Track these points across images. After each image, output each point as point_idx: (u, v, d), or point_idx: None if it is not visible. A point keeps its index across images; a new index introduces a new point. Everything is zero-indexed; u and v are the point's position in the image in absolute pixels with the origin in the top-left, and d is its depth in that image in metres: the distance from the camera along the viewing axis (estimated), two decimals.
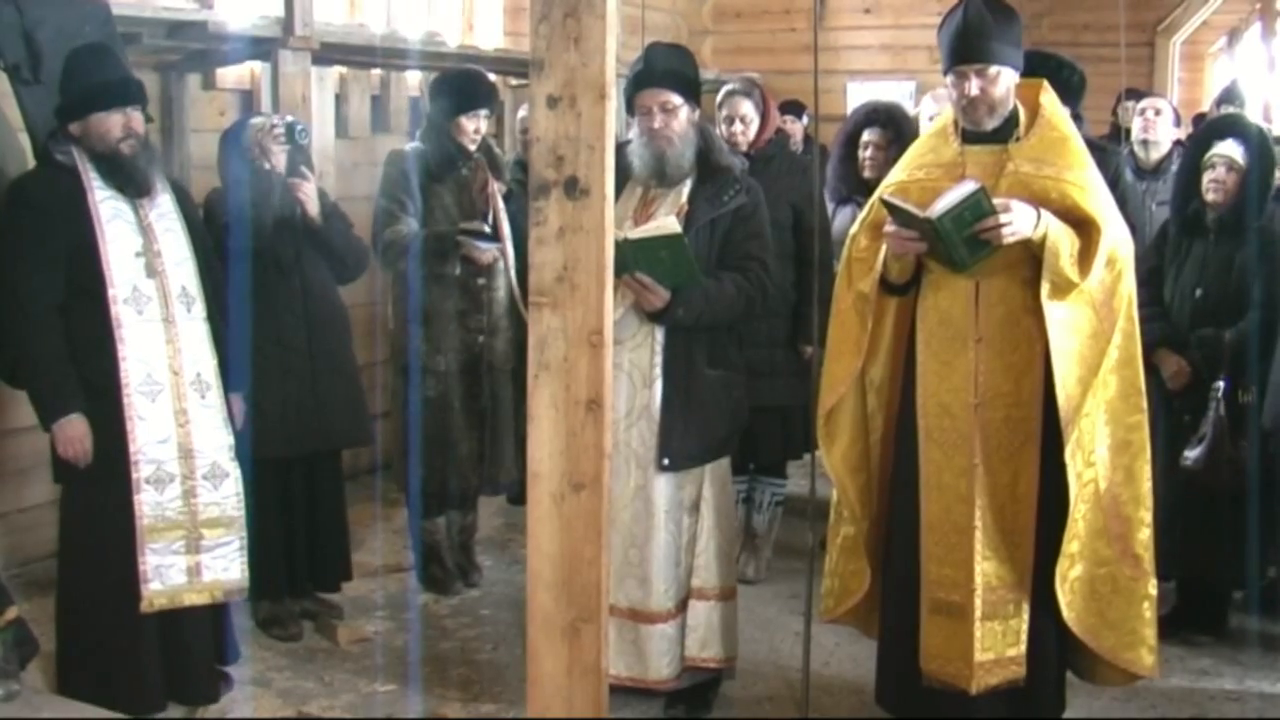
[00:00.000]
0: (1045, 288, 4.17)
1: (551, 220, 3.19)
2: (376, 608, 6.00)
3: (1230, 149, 5.56)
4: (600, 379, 3.22)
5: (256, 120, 5.46)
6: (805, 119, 9.42)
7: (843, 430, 4.59)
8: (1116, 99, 9.65)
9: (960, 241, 4.12)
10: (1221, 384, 5.43)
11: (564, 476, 3.25)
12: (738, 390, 4.88)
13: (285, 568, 5.56)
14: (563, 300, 3.22)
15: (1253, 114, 11.93)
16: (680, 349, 4.67)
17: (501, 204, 5.50)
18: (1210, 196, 5.57)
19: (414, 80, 8.29)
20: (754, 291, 4.78)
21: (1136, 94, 9.13)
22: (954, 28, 4.32)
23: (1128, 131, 7.97)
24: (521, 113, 7.35)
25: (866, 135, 6.78)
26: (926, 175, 4.46)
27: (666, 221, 4.46)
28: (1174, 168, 7.20)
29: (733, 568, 5.02)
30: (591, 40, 3.12)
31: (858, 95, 11.03)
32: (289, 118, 5.44)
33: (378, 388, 7.23)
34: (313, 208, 5.44)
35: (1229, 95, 9.81)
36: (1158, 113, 7.60)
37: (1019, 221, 4.09)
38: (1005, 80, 4.33)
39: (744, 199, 4.80)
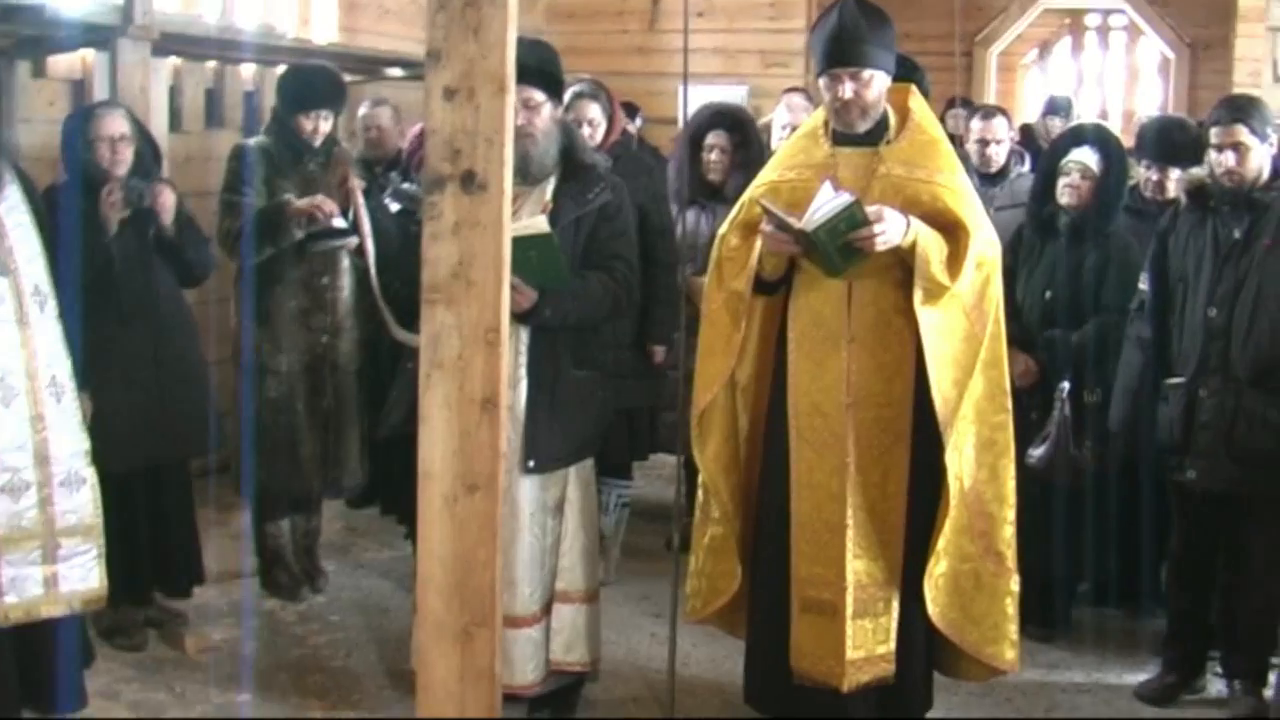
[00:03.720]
0: (918, 294, 4.22)
1: (447, 215, 3.11)
2: (222, 615, 5.82)
3: (1086, 156, 5.68)
4: (496, 377, 3.15)
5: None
6: (638, 120, 9.43)
7: (714, 430, 4.58)
8: (945, 106, 9.82)
9: (834, 251, 4.15)
10: (1066, 384, 5.54)
11: (457, 477, 3.17)
12: (603, 391, 4.85)
13: (128, 574, 5.34)
14: (457, 297, 3.13)
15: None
16: (546, 349, 4.61)
17: (362, 199, 5.37)
18: (1064, 201, 5.68)
19: (249, 73, 8.08)
20: (620, 291, 4.74)
21: (967, 103, 9.30)
22: (829, 30, 4.34)
23: (958, 139, 8.10)
24: (362, 110, 7.19)
25: (711, 138, 6.75)
26: (797, 176, 4.48)
27: (536, 220, 4.39)
28: (1012, 174, 7.37)
29: (596, 570, 4.97)
30: (492, 31, 3.04)
31: (689, 98, 11.06)
32: (132, 181, 5.22)
33: (221, 387, 7.00)
34: (168, 217, 5.28)
35: (1055, 106, 10.06)
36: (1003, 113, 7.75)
37: (891, 230, 4.14)
38: (878, 84, 4.37)
39: (609, 197, 4.76)
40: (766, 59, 10.94)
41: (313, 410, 5.89)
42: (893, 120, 4.47)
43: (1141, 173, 6.16)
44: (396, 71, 8.85)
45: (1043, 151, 8.52)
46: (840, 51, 4.33)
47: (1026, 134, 10.16)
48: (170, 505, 5.52)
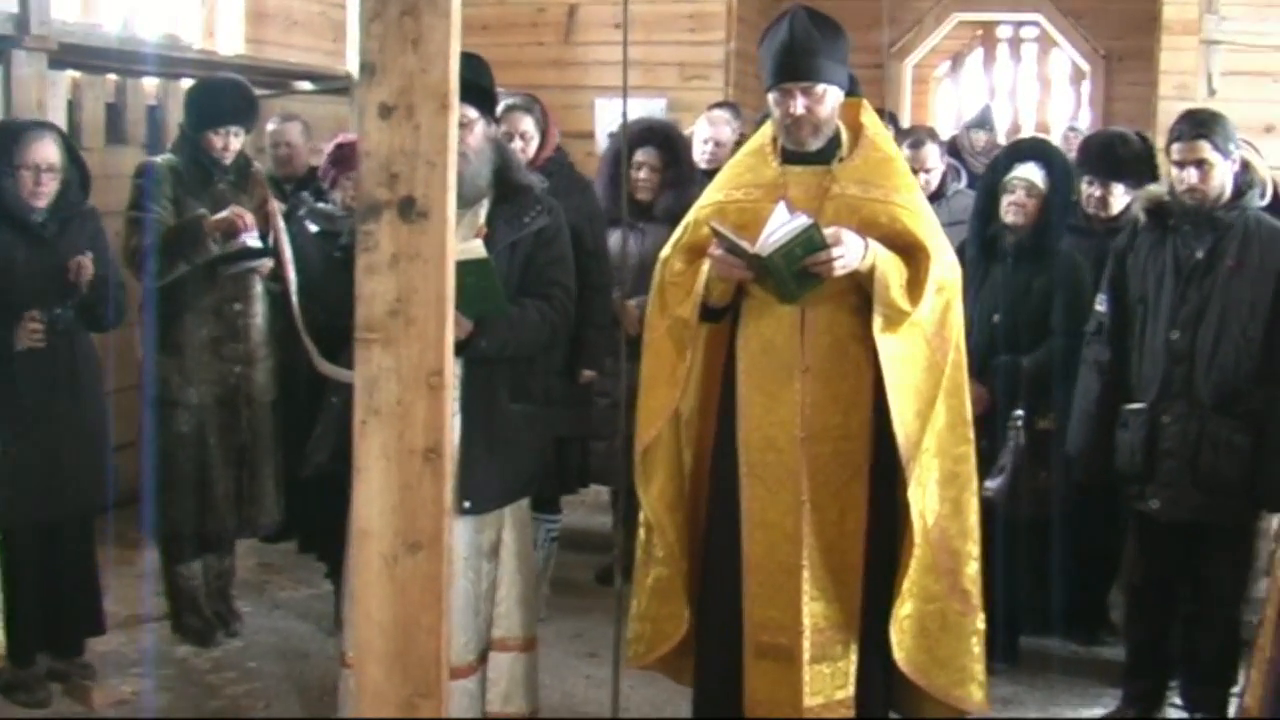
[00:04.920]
0: (877, 321, 4.00)
1: (384, 246, 2.80)
2: (130, 664, 5.47)
3: (1030, 172, 5.48)
4: (440, 425, 2.85)
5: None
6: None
7: (659, 466, 4.31)
8: None
9: (790, 276, 3.90)
10: (1021, 412, 5.34)
11: (398, 535, 2.86)
12: (540, 425, 4.58)
13: (26, 628, 4.97)
14: (396, 336, 2.83)
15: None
16: (481, 382, 4.32)
17: (282, 223, 5.05)
18: (1009, 219, 5.48)
19: (152, 87, 7.70)
20: (559, 319, 4.49)
21: (894, 120, 9.08)
22: (779, 43, 4.10)
23: None
24: (270, 125, 6.86)
25: (640, 155, 6.47)
26: (745, 196, 4.24)
27: (472, 245, 4.10)
28: (949, 192, 7.17)
29: (534, 615, 4.70)
30: (433, 43, 2.74)
31: (606, 112, 10.83)
32: (57, 313, 4.93)
33: (123, 418, 6.62)
34: (84, 287, 4.99)
35: (981, 120, 9.92)
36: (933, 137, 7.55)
37: (849, 254, 3.92)
38: (831, 100, 4.14)
39: (546, 220, 4.50)
40: (685, 71, 10.68)
41: (226, 445, 5.56)
42: (845, 137, 4.24)
43: (1084, 189, 5.96)
44: (306, 85, 8.53)
45: (984, 167, 8.41)
46: (791, 65, 4.10)
47: (950, 147, 10.00)
48: (66, 559, 5.18)
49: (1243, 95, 7.49)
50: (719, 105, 8.64)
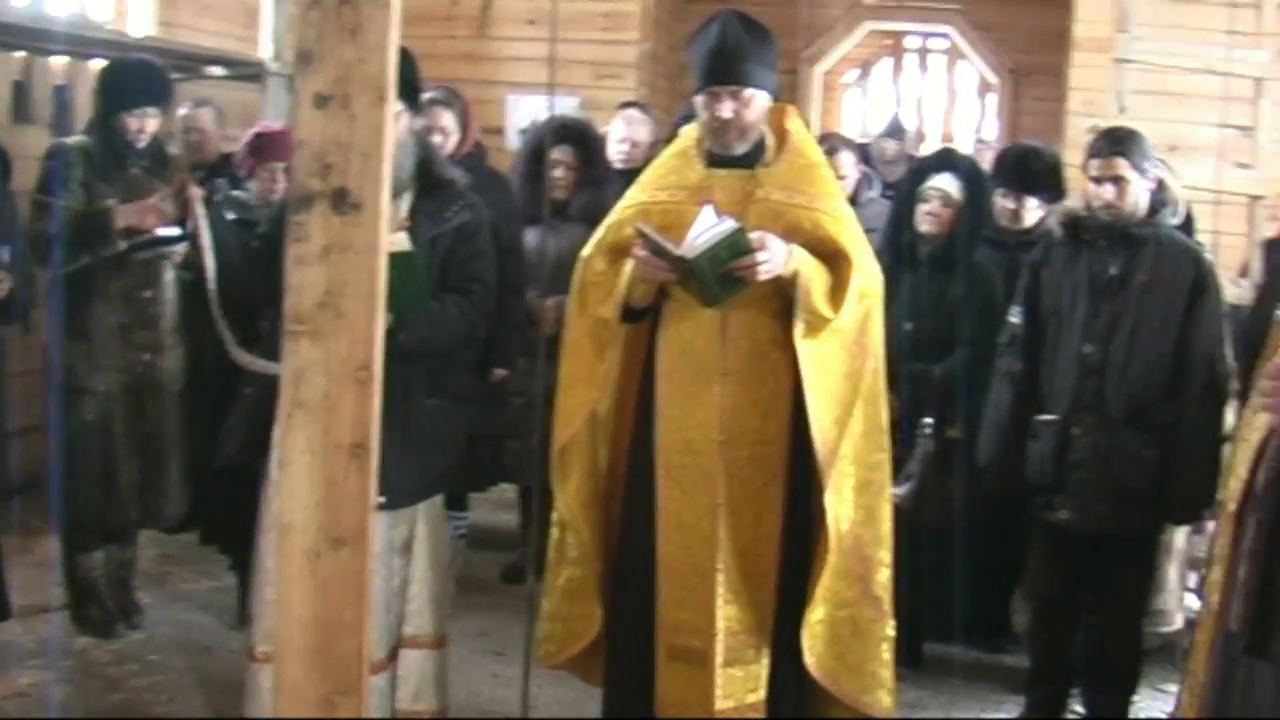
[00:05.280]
0: (799, 327, 4.02)
1: (315, 237, 2.76)
2: (28, 655, 5.33)
3: (946, 183, 5.53)
4: (367, 420, 2.81)
5: None
6: None
7: (576, 466, 4.29)
8: None
9: (714, 280, 3.91)
10: (929, 420, 5.39)
11: (321, 531, 2.82)
12: (455, 421, 4.54)
13: None
14: (325, 329, 2.79)
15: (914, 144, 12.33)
16: (398, 377, 4.24)
17: (202, 210, 4.96)
18: (924, 229, 5.53)
19: (60, 66, 7.54)
20: (478, 316, 4.47)
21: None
22: (709, 46, 4.10)
23: None
24: (182, 110, 6.74)
25: (555, 154, 6.43)
26: (670, 197, 4.24)
27: (396, 238, 4.05)
28: (863, 199, 7.22)
29: (445, 612, 4.66)
30: (372, 33, 2.70)
31: (518, 107, 10.79)
32: None
33: (26, 403, 6.48)
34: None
35: (892, 129, 9.99)
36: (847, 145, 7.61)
37: (774, 259, 3.93)
38: (759, 104, 4.15)
39: (468, 215, 4.47)
40: (598, 70, 10.66)
41: (132, 434, 5.46)
42: (770, 142, 4.25)
43: (997, 201, 6.01)
44: (217, 70, 8.40)
45: (895, 176, 8.48)
46: (720, 69, 4.10)
47: (862, 155, 10.07)
48: None
49: (1150, 114, 7.58)
50: (628, 105, 8.64)
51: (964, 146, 15.52)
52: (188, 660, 5.42)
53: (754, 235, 3.91)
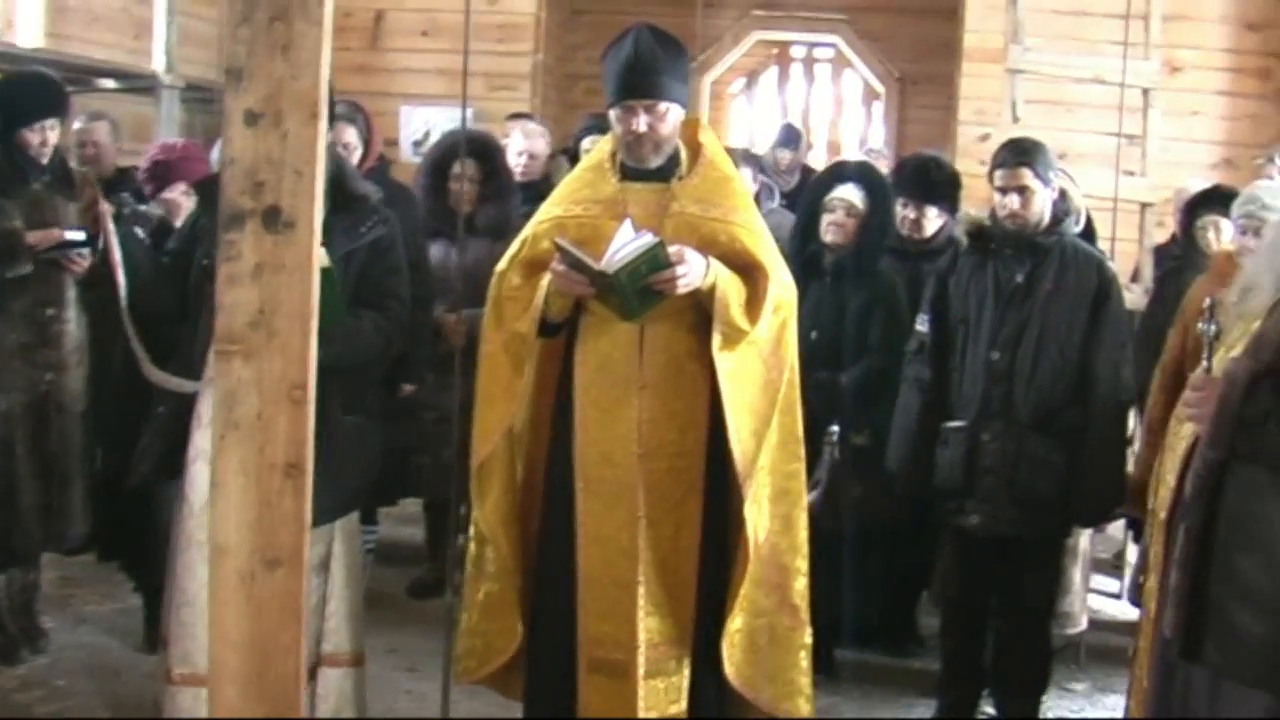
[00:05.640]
0: (716, 339, 4.05)
1: (247, 256, 2.74)
2: None
3: (850, 193, 5.60)
4: (302, 440, 2.80)
5: None
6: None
7: (494, 481, 4.28)
8: None
9: (633, 294, 3.93)
10: (836, 428, 5.44)
11: (255, 552, 2.80)
12: (371, 437, 4.51)
13: None
14: (257, 349, 2.77)
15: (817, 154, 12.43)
16: (316, 395, 4.24)
17: (112, 225, 4.88)
18: (829, 239, 5.59)
19: None
20: (393, 331, 4.46)
21: None
22: (623, 60, 4.11)
23: None
24: (76, 124, 6.62)
25: (458, 167, 6.40)
26: (585, 211, 4.24)
27: None
28: (763, 210, 7.25)
29: (363, 630, 4.63)
30: (304, 50, 2.69)
31: (411, 119, 10.75)
32: None
33: None
34: None
35: (786, 138, 10.07)
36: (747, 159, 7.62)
37: (693, 272, 3.96)
38: (673, 117, 4.18)
39: (382, 230, 4.46)
40: (492, 82, 10.63)
41: (35, 455, 5.32)
42: (684, 155, 4.27)
43: (898, 211, 6.09)
44: (109, 83, 8.28)
45: (790, 186, 8.56)
46: (635, 83, 4.11)
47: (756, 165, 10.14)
48: None
49: (1041, 123, 7.73)
50: (518, 116, 8.64)
51: (851, 155, 15.80)
52: (96, 684, 5.32)
53: (673, 249, 3.93)
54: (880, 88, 14.56)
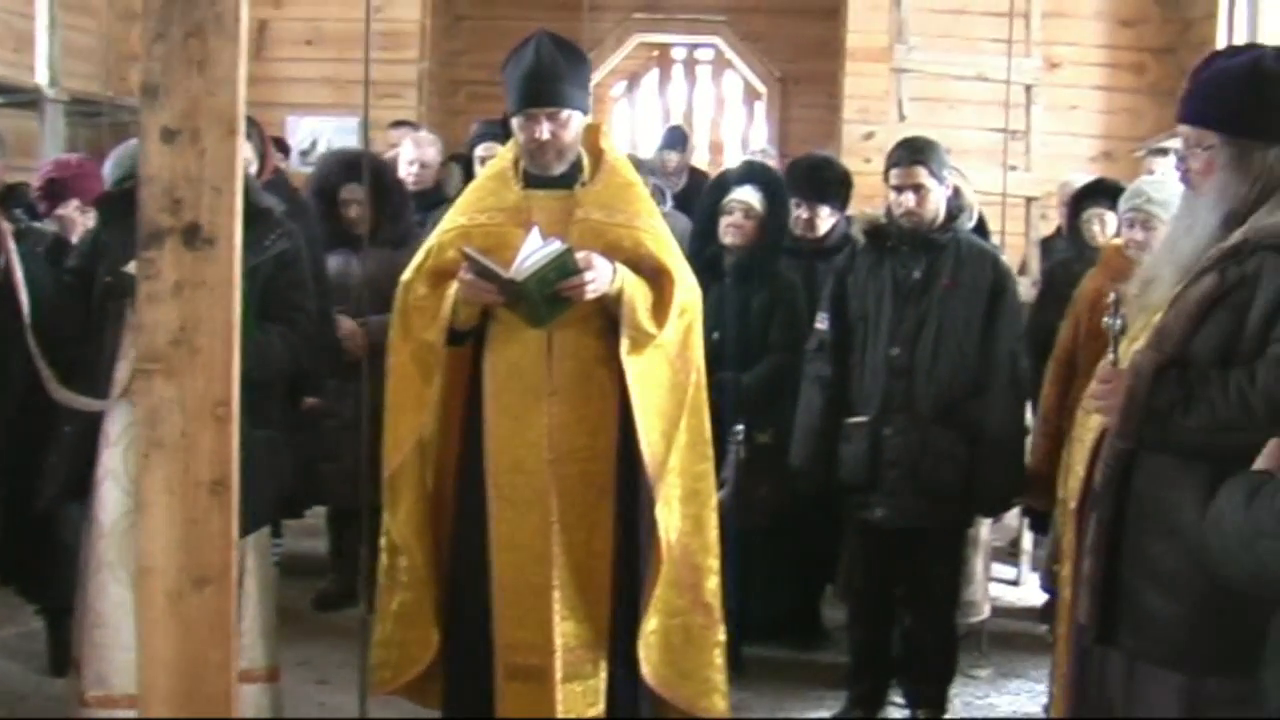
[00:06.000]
0: (624, 344, 4.10)
1: (166, 274, 2.73)
2: None
3: (748, 195, 5.65)
4: (228, 456, 2.79)
5: None
6: None
7: (405, 490, 4.29)
8: None
9: (542, 301, 3.96)
10: (741, 427, 5.50)
11: (183, 571, 2.78)
12: (283, 451, 4.50)
13: None
14: (180, 367, 2.76)
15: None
16: None
17: (13, 244, 4.79)
18: (728, 240, 5.65)
19: None
20: (301, 343, 4.45)
21: None
22: (525, 68, 4.14)
23: None
24: None
25: (345, 193, 6.27)
26: (490, 219, 4.27)
27: None
28: None
29: (277, 643, 4.60)
30: (220, 66, 2.69)
31: (297, 129, 10.68)
32: None
33: None
34: None
35: (674, 140, 10.13)
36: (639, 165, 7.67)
37: (601, 278, 4.01)
38: (575, 125, 4.22)
39: (287, 244, 4.45)
40: (378, 90, 10.57)
41: None
42: (586, 162, 4.31)
43: (792, 211, 6.17)
44: None
45: (678, 188, 8.62)
46: (537, 91, 4.15)
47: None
48: None
49: (926, 120, 7.86)
50: (400, 124, 8.62)
51: (735, 155, 15.90)
52: (1, 709, 5.23)
53: (580, 255, 3.98)
54: (762, 88, 14.68)
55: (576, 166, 4.28)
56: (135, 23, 10.56)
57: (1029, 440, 5.30)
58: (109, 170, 4.88)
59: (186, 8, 2.67)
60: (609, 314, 4.14)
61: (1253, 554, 2.02)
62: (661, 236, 4.27)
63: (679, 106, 17.81)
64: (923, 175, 4.94)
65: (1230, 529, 2.07)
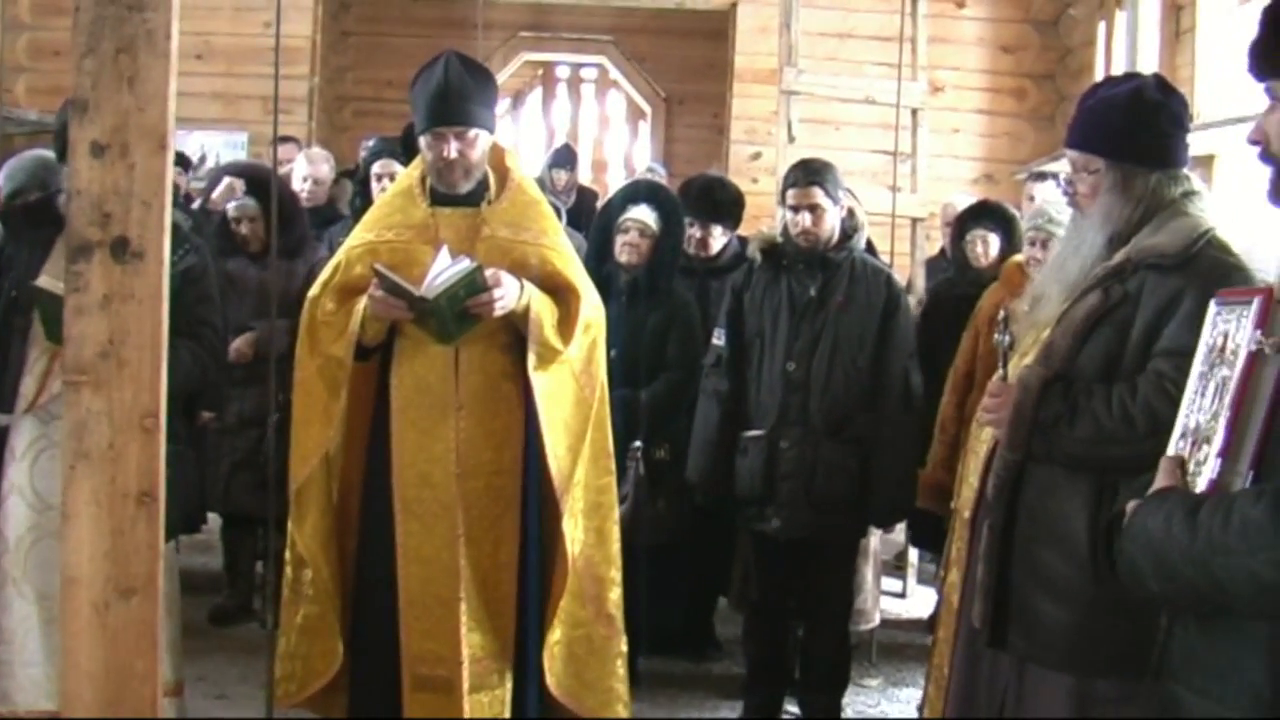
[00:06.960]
0: (531, 359, 4.18)
1: (94, 286, 2.77)
2: None
3: (644, 214, 5.73)
4: (154, 468, 2.84)
5: None
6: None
7: (312, 504, 4.32)
8: None
9: (451, 318, 4.03)
10: (639, 443, 5.58)
11: (109, 582, 2.82)
12: (189, 465, 4.52)
13: None
14: (107, 379, 2.79)
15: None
16: None
17: None
18: (624, 259, 5.72)
19: None
20: (208, 359, 4.46)
21: None
22: (432, 88, 4.21)
23: None
24: None
25: (234, 209, 6.38)
26: (396, 236, 4.33)
27: None
28: None
29: (182, 659, 4.61)
30: (150, 82, 2.73)
31: (184, 144, 10.57)
32: None
33: None
34: None
35: (562, 158, 10.20)
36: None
37: (509, 295, 4.09)
38: (482, 143, 4.31)
39: (194, 259, 4.46)
40: (269, 105, 10.55)
41: None
42: (492, 180, 4.39)
43: (685, 230, 6.27)
44: None
45: (567, 206, 8.70)
46: (445, 110, 4.22)
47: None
48: None
49: (812, 142, 8.01)
50: (283, 140, 8.62)
51: (619, 173, 16.04)
52: None
53: (489, 273, 4.05)
54: (647, 107, 14.84)
55: (483, 185, 4.35)
56: (22, 33, 10.47)
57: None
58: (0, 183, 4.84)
59: (117, 23, 2.72)
60: (516, 330, 4.21)
61: (1206, 572, 2.06)
62: (566, 254, 4.36)
63: (563, 125, 17.94)
64: (819, 196, 5.07)
65: (1173, 548, 2.12)
